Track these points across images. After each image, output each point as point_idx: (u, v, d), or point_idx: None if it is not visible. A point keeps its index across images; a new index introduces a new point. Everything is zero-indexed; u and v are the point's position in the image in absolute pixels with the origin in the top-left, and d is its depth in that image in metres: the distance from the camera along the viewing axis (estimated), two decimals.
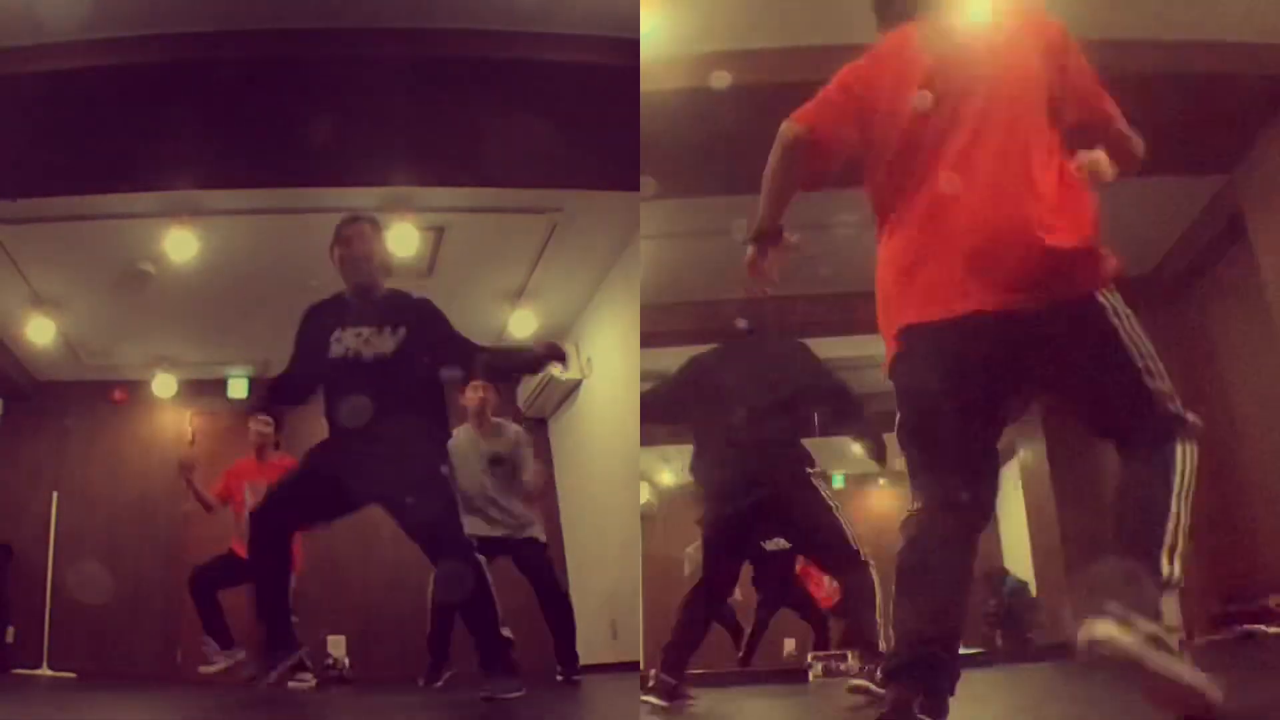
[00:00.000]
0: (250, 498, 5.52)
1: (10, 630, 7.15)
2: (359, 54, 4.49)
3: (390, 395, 3.15)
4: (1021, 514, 10.11)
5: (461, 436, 5.14)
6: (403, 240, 6.06)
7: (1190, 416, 1.89)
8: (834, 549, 3.64)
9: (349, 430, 3.19)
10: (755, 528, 3.91)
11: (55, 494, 7.34)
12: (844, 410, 3.95)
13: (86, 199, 5.36)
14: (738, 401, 3.70)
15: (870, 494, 10.97)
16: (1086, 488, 8.89)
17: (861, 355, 8.67)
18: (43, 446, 7.69)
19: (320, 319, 3.40)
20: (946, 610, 1.81)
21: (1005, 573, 9.78)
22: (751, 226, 2.23)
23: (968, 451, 1.89)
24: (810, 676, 7.19)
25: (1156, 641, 1.63)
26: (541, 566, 5.13)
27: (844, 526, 3.62)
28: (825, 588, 7.33)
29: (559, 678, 4.99)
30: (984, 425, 1.91)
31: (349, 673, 7.00)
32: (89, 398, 7.87)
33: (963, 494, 1.86)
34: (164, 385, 7.86)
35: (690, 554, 8.17)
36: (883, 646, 3.37)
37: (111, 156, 4.80)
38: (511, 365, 3.88)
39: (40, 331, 7.02)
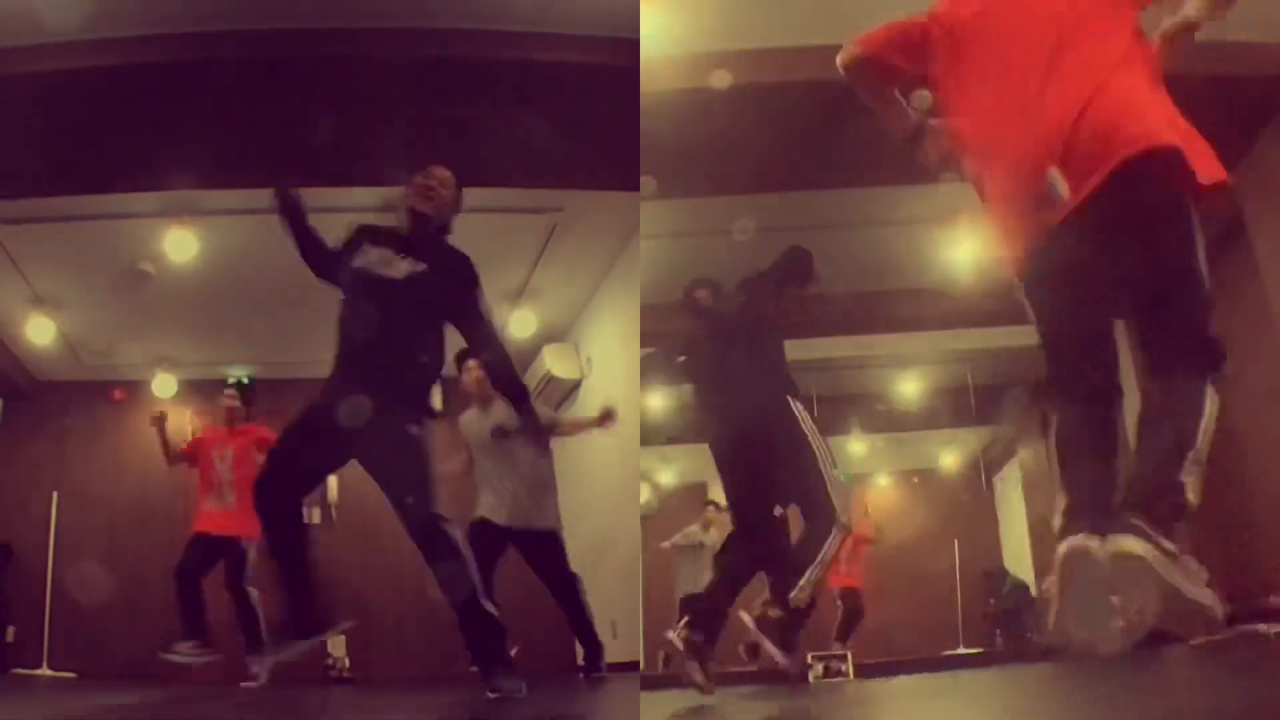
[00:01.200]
0: (219, 465, 5.59)
1: (10, 630, 7.16)
2: (359, 54, 4.49)
3: (389, 322, 3.17)
4: (1021, 514, 10.10)
5: (468, 419, 5.19)
6: None
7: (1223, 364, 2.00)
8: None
9: (342, 363, 3.23)
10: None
11: (55, 494, 7.34)
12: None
13: (86, 199, 5.37)
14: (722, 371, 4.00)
15: (871, 494, 10.97)
16: None
17: (860, 355, 8.71)
18: (43, 446, 7.69)
19: (365, 233, 3.48)
20: None
21: (1005, 573, 9.78)
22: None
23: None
24: (810, 677, 7.19)
25: (1174, 559, 1.73)
26: (550, 561, 5.10)
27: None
28: (840, 568, 7.36)
29: (581, 675, 4.98)
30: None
31: (349, 673, 7.01)
32: (89, 398, 7.87)
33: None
34: (164, 385, 7.86)
35: (692, 531, 8.22)
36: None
37: (111, 156, 4.80)
38: (507, 389, 3.66)
39: (40, 331, 7.02)
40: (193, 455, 5.84)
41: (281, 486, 3.16)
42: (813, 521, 3.76)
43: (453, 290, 3.33)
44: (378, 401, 3.09)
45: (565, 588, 5.00)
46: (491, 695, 3.08)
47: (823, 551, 3.65)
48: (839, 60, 2.32)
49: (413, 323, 3.25)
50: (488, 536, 4.86)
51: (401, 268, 3.27)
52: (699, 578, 8.27)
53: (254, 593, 5.45)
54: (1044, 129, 1.98)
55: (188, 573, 5.49)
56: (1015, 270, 2.12)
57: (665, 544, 8.20)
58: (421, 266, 3.27)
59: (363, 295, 3.24)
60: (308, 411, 3.23)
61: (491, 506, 5.01)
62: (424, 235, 3.39)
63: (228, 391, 5.80)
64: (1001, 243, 2.13)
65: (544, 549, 5.01)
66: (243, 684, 5.25)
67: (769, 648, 3.73)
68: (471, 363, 5.09)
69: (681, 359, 4.28)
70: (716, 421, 4.03)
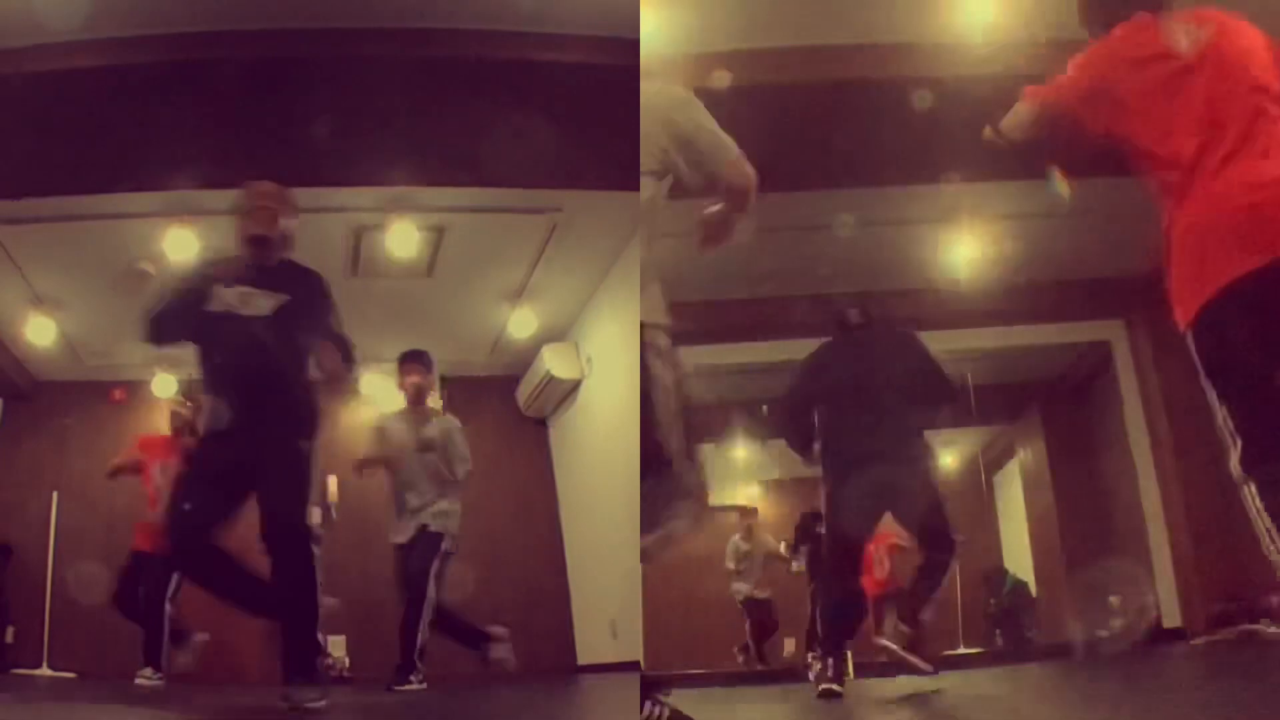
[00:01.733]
0: (158, 477, 5.39)
1: (10, 630, 7.15)
2: (359, 54, 4.49)
3: (266, 358, 3.15)
4: (1021, 514, 10.10)
5: (395, 419, 5.20)
6: (403, 240, 6.06)
7: None
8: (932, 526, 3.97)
9: (217, 394, 3.21)
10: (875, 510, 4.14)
11: (55, 494, 7.33)
12: (943, 393, 4.16)
13: (86, 199, 5.36)
14: (858, 390, 3.97)
15: None
16: (1086, 488, 8.89)
17: None
18: (43, 446, 7.68)
19: (209, 273, 3.36)
20: None
21: (1005, 573, 9.79)
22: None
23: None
24: (810, 676, 7.19)
25: None
26: (418, 558, 4.95)
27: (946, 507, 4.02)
28: (876, 571, 7.39)
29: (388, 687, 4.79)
30: None
31: (349, 673, 7.01)
32: (89, 398, 7.86)
33: None
34: (164, 385, 7.85)
35: (735, 544, 8.30)
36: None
37: (111, 156, 4.80)
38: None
39: (40, 331, 7.02)
40: (138, 464, 5.72)
41: (193, 541, 3.12)
42: (934, 549, 3.97)
43: (315, 313, 3.30)
44: (272, 432, 3.13)
45: (417, 593, 4.87)
46: (284, 704, 2.96)
47: (946, 576, 3.95)
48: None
49: (288, 350, 3.22)
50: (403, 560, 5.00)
51: (264, 304, 3.21)
52: (754, 582, 8.35)
53: (170, 610, 5.27)
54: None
55: (125, 599, 5.39)
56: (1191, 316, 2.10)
57: (729, 565, 8.39)
58: (284, 297, 3.23)
59: (232, 338, 3.18)
60: (202, 461, 3.26)
61: (400, 529, 5.04)
62: (273, 261, 3.32)
63: (176, 398, 5.64)
64: (1188, 285, 2.10)
65: (420, 546, 4.93)
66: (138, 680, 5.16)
67: (915, 661, 3.95)
68: (410, 367, 5.16)
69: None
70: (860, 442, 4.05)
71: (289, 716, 2.89)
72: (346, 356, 3.32)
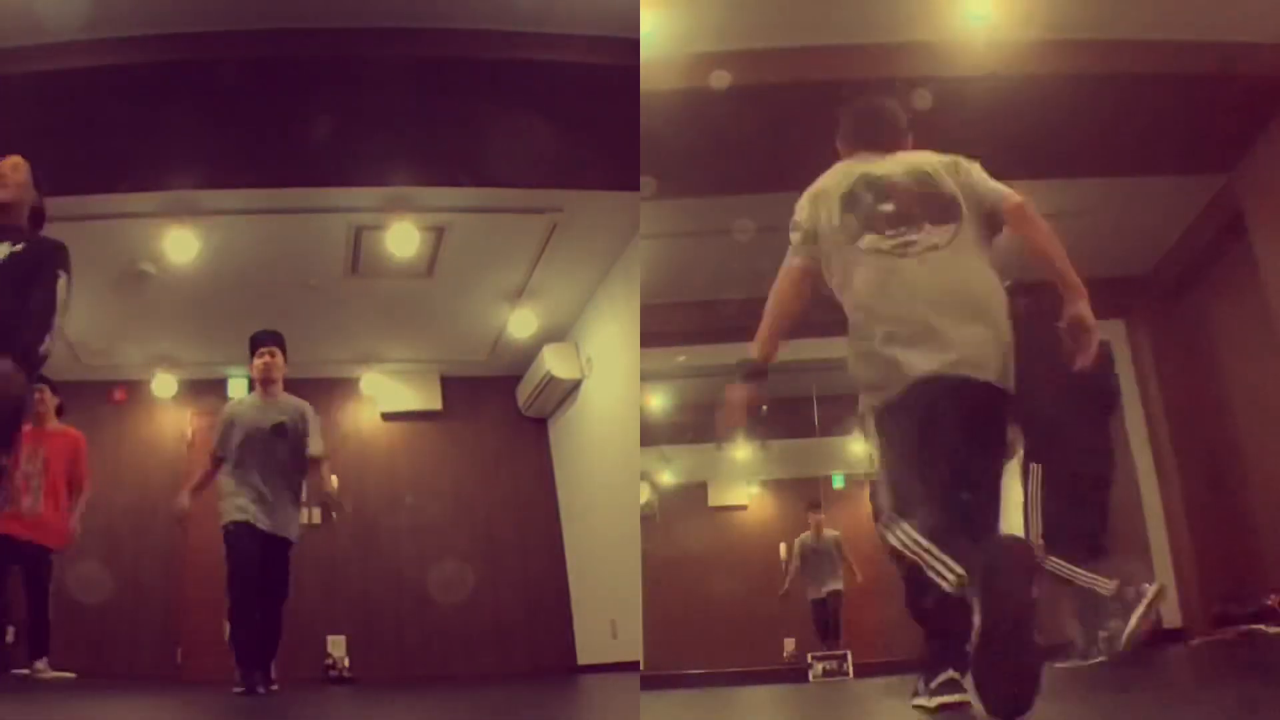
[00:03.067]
0: (27, 467, 5.30)
1: (10, 630, 7.15)
2: (359, 54, 4.49)
3: None
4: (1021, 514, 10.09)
5: (245, 402, 4.94)
6: (403, 240, 6.06)
7: None
8: None
9: None
10: None
11: None
12: None
13: (86, 199, 5.36)
14: None
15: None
16: None
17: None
18: None
19: None
20: None
21: None
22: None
23: None
24: (810, 676, 7.20)
25: None
26: (280, 568, 4.70)
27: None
28: None
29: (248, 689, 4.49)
30: None
31: (349, 673, 7.01)
32: (89, 398, 7.86)
33: None
34: (164, 385, 7.86)
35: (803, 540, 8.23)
36: None
37: (111, 156, 4.80)
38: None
39: None
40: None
41: None
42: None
43: (41, 267, 3.36)
44: None
45: (278, 600, 4.65)
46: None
47: None
48: None
49: (12, 293, 3.28)
50: (251, 538, 4.55)
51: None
52: (824, 579, 8.28)
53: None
54: None
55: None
56: None
57: (795, 563, 8.32)
58: (19, 247, 3.35)
59: None
60: None
61: (246, 509, 4.61)
62: (16, 224, 3.46)
63: (39, 387, 5.57)
64: None
65: (281, 556, 4.66)
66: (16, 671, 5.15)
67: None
68: (263, 350, 4.81)
69: None
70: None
71: (285, 715, 2.89)
72: (40, 332, 3.31)
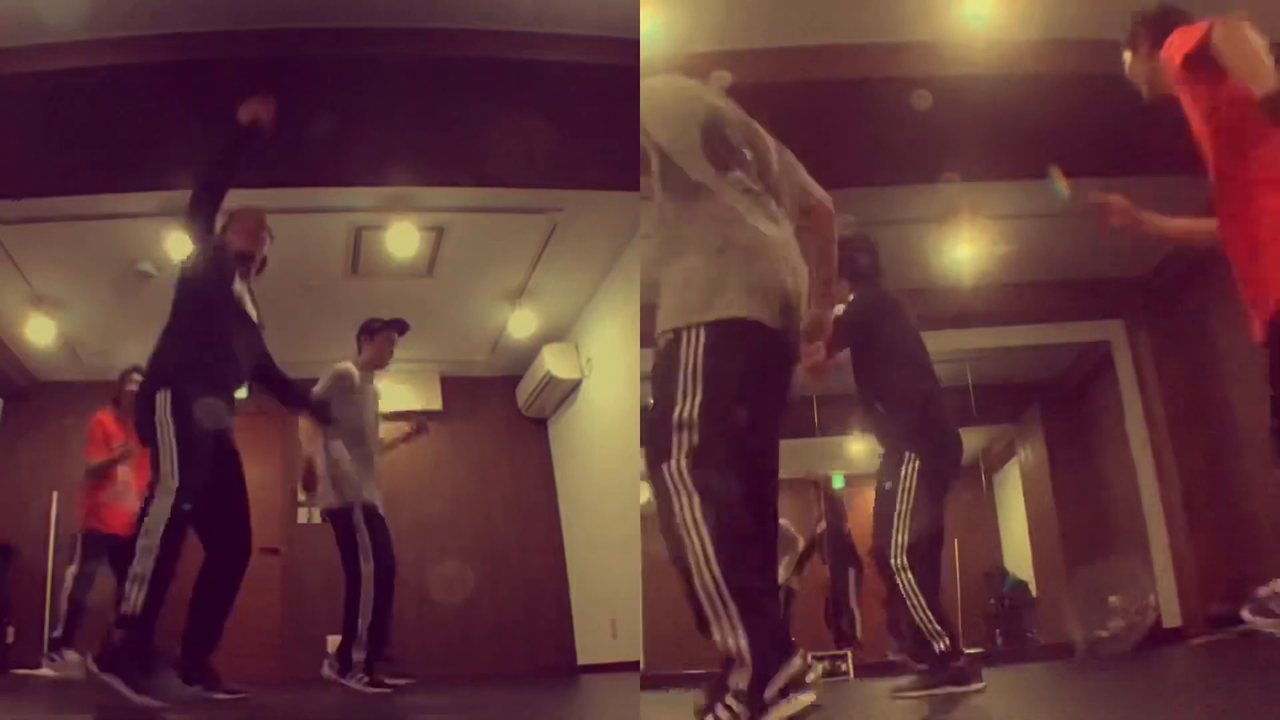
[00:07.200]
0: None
1: (10, 630, 7.15)
2: (359, 54, 4.48)
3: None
4: (1021, 514, 10.10)
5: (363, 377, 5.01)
6: (403, 240, 6.06)
7: None
8: None
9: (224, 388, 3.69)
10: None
11: (55, 494, 7.33)
12: None
13: (86, 199, 5.36)
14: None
15: (869, 495, 10.97)
16: (1086, 488, 8.89)
17: None
18: (43, 446, 7.68)
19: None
20: None
21: (1005, 573, 9.78)
22: None
23: None
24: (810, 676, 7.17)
25: None
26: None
27: None
28: None
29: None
30: None
31: None
32: (89, 398, 7.85)
33: None
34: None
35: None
36: None
37: (111, 156, 4.79)
38: None
39: (40, 331, 7.02)
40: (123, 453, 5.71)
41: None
42: None
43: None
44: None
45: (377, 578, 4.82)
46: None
47: None
48: None
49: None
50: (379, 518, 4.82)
51: (254, 313, 3.84)
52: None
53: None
54: None
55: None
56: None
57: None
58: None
59: (247, 335, 3.78)
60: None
61: (373, 490, 4.86)
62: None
63: (131, 376, 5.59)
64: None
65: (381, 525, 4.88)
66: None
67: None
68: (398, 338, 5.10)
69: None
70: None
71: (286, 715, 2.89)
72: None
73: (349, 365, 4.93)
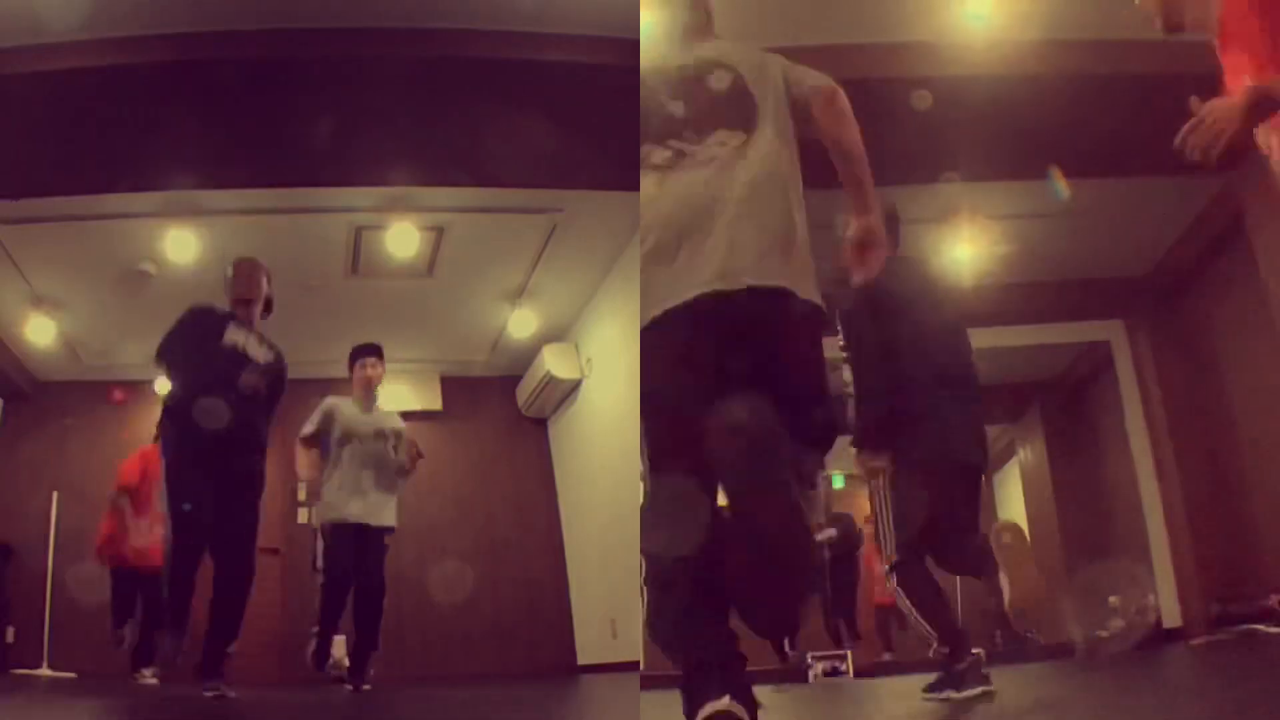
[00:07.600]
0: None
1: (10, 630, 7.15)
2: (359, 54, 4.48)
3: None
4: (1022, 514, 10.11)
5: (347, 406, 5.13)
6: (403, 240, 6.07)
7: None
8: None
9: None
10: None
11: (55, 494, 7.33)
12: None
13: (86, 199, 5.36)
14: None
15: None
16: (1086, 487, 8.90)
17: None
18: (43, 446, 7.68)
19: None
20: None
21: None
22: None
23: None
24: (810, 676, 7.20)
25: None
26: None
27: None
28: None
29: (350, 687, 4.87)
30: None
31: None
32: (89, 398, 7.87)
33: None
34: (164, 385, 7.85)
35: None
36: None
37: (111, 156, 4.80)
38: None
39: (40, 331, 7.02)
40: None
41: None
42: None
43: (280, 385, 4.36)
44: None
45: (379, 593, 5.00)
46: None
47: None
48: None
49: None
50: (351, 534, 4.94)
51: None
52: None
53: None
54: None
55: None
56: None
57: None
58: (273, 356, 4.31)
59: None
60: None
61: (366, 510, 4.99)
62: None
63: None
64: None
65: (380, 547, 5.05)
66: None
67: None
68: (370, 360, 5.15)
69: None
70: None
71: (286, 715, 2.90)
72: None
73: (330, 400, 5.19)
